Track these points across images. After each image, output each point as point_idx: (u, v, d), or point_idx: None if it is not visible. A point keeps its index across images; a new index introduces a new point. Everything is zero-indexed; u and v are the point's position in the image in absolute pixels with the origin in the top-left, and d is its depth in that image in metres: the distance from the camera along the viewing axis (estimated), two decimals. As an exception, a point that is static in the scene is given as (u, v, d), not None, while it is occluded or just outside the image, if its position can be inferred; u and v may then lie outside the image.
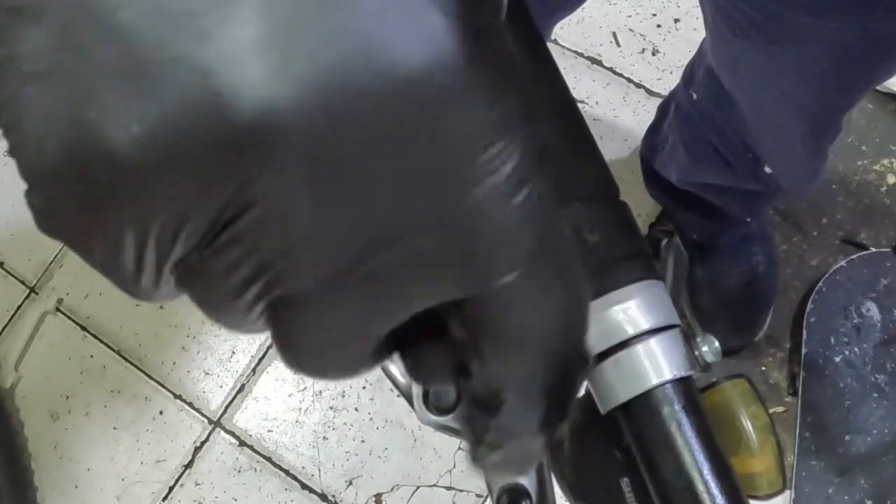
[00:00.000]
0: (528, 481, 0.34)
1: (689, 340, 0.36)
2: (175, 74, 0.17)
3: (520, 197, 0.19)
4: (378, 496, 1.41)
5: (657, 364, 0.34)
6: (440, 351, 0.22)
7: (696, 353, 0.36)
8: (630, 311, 0.34)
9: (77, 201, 0.18)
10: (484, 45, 0.18)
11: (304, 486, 1.43)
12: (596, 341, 0.34)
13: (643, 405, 0.34)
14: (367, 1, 0.17)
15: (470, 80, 0.18)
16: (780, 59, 0.77)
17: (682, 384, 0.34)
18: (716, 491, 0.33)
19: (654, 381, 0.34)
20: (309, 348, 0.20)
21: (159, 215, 0.18)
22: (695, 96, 1.02)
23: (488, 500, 0.34)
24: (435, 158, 0.18)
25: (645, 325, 0.34)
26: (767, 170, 0.99)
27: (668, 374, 0.34)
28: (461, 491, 1.39)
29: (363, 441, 1.43)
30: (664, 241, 1.41)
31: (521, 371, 0.21)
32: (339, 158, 0.17)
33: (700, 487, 0.33)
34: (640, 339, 0.34)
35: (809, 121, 0.87)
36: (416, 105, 0.17)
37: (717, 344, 0.36)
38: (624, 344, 0.34)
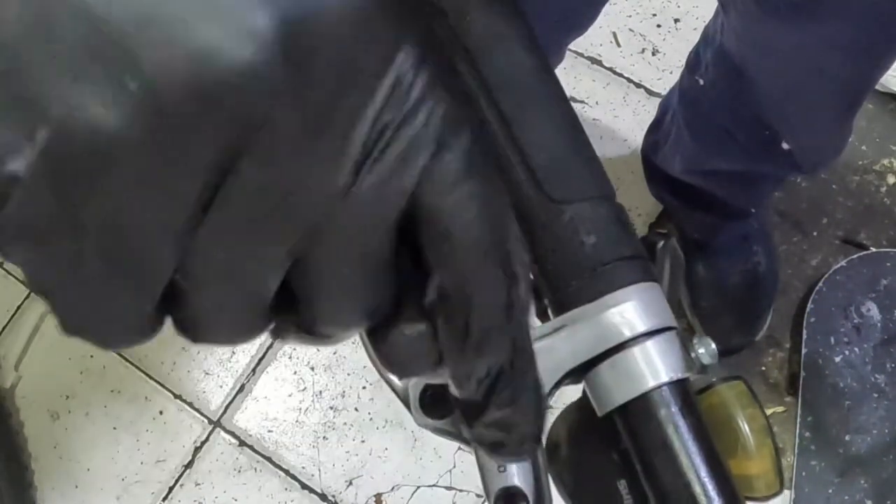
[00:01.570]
0: (524, 483, 0.34)
1: (685, 342, 0.35)
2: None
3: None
4: (378, 496, 1.41)
5: (654, 366, 0.34)
6: (414, 338, 0.23)
7: (693, 355, 0.36)
8: (626, 313, 0.34)
9: (61, 199, 0.18)
10: None
11: (304, 486, 1.43)
12: (592, 344, 0.34)
13: (640, 407, 0.34)
14: None
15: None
16: (818, 35, 0.78)
17: (679, 386, 0.34)
18: (713, 493, 0.33)
19: (651, 383, 0.34)
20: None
21: (157, 190, 0.18)
22: (701, 82, 1.02)
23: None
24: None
25: (641, 327, 0.34)
26: (785, 146, 0.98)
27: (665, 377, 0.34)
28: (461, 491, 1.39)
29: (363, 441, 1.43)
30: (660, 244, 1.41)
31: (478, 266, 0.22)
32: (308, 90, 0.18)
33: (697, 490, 0.33)
34: (636, 341, 0.34)
35: (843, 93, 0.88)
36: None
37: (713, 346, 0.36)
38: (620, 346, 0.34)
